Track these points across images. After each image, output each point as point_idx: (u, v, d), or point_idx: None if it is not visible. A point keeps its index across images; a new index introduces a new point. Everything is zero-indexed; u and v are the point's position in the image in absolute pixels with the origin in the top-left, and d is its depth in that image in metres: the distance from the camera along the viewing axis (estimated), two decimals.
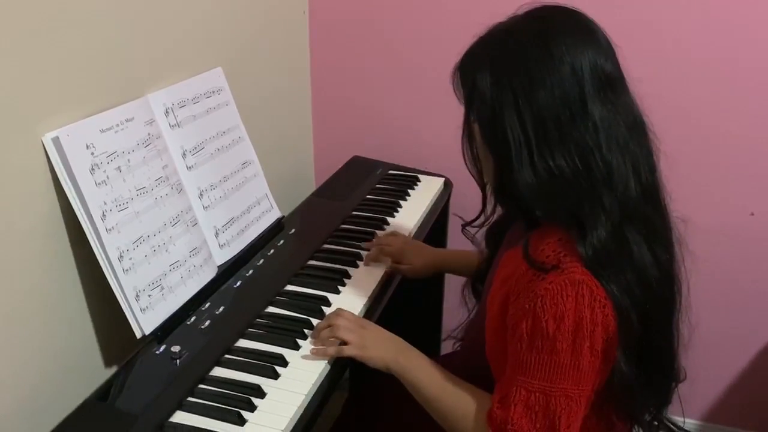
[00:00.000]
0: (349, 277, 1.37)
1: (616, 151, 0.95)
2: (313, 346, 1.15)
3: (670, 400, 1.09)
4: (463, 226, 1.23)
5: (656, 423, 1.09)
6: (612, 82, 0.97)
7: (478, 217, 1.17)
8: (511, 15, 1.02)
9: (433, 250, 1.49)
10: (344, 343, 1.12)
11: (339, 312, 1.18)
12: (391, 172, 1.87)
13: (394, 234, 1.50)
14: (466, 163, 1.06)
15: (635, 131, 0.98)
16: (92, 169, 1.09)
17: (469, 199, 1.21)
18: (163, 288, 1.18)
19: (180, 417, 1.01)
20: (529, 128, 0.95)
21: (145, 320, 1.13)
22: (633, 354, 0.97)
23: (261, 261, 1.40)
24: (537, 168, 0.95)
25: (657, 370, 1.04)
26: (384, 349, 1.12)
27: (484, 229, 1.21)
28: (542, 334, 0.93)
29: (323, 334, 1.15)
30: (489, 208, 1.13)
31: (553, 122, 0.94)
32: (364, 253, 1.46)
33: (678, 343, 1.06)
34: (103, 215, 1.09)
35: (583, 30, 0.98)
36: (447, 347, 1.48)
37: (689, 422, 1.98)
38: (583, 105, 0.95)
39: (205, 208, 1.35)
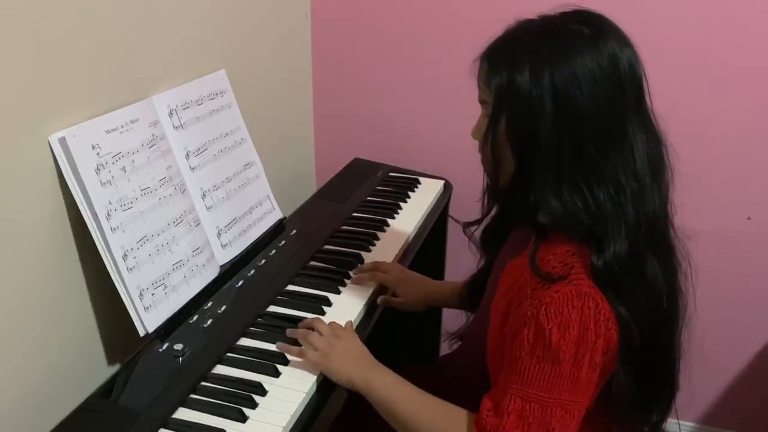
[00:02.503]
0: (349, 277, 1.38)
1: (648, 170, 0.94)
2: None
3: (669, 412, 1.08)
4: (465, 226, 1.20)
5: None
6: (643, 95, 0.97)
7: (481, 219, 1.15)
8: (542, 14, 0.98)
9: (428, 283, 1.43)
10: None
11: (322, 320, 1.18)
12: (391, 174, 1.88)
13: (390, 263, 1.43)
14: (483, 163, 1.03)
15: (656, 143, 0.97)
16: (98, 169, 1.11)
17: (468, 201, 1.22)
18: (166, 287, 1.20)
19: (182, 414, 1.02)
20: (565, 139, 0.91)
21: (148, 318, 1.15)
22: (633, 368, 0.96)
23: (262, 261, 1.42)
24: (564, 187, 0.93)
25: (657, 384, 1.04)
26: (348, 363, 1.09)
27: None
28: (545, 343, 0.91)
29: (297, 333, 1.15)
30: (489, 208, 1.12)
31: (591, 137, 0.91)
32: (364, 254, 1.47)
33: (679, 355, 1.06)
34: (108, 215, 1.11)
35: (624, 40, 0.95)
36: (446, 348, 1.49)
37: (684, 425, 1.99)
38: (623, 119, 0.93)
39: (207, 208, 1.37)
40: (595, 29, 0.94)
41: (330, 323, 1.18)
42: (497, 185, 1.03)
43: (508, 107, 0.95)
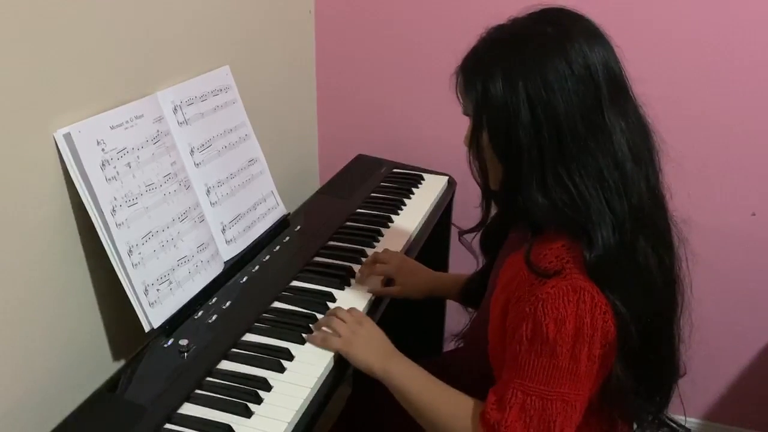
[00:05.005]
0: (353, 273, 1.38)
1: (630, 159, 0.95)
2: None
3: (670, 399, 1.09)
4: (461, 234, 1.23)
5: (657, 422, 1.09)
6: (622, 86, 0.98)
7: (478, 225, 1.17)
8: (512, 18, 1.01)
9: (428, 273, 1.44)
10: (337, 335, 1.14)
11: (343, 309, 1.20)
12: (395, 170, 1.88)
13: (391, 252, 1.44)
14: (471, 172, 1.05)
15: (643, 135, 0.98)
16: (103, 165, 1.11)
17: (472, 197, 1.22)
18: (171, 282, 1.20)
19: (188, 409, 1.02)
20: (544, 140, 0.93)
21: (153, 314, 1.15)
22: (632, 360, 0.97)
23: (267, 257, 1.42)
24: (550, 184, 0.94)
25: (657, 373, 1.04)
26: (370, 350, 1.12)
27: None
28: (542, 338, 0.93)
29: (320, 320, 1.18)
30: (490, 212, 1.13)
31: (570, 133, 0.93)
32: (368, 250, 1.47)
33: (679, 342, 1.06)
34: (113, 210, 1.11)
35: (594, 34, 0.97)
36: (449, 346, 1.49)
37: (690, 420, 1.99)
38: (600, 112, 0.94)
39: (212, 204, 1.37)
40: (561, 29, 0.95)
41: (350, 309, 1.20)
42: (488, 191, 1.07)
43: (488, 118, 0.98)
